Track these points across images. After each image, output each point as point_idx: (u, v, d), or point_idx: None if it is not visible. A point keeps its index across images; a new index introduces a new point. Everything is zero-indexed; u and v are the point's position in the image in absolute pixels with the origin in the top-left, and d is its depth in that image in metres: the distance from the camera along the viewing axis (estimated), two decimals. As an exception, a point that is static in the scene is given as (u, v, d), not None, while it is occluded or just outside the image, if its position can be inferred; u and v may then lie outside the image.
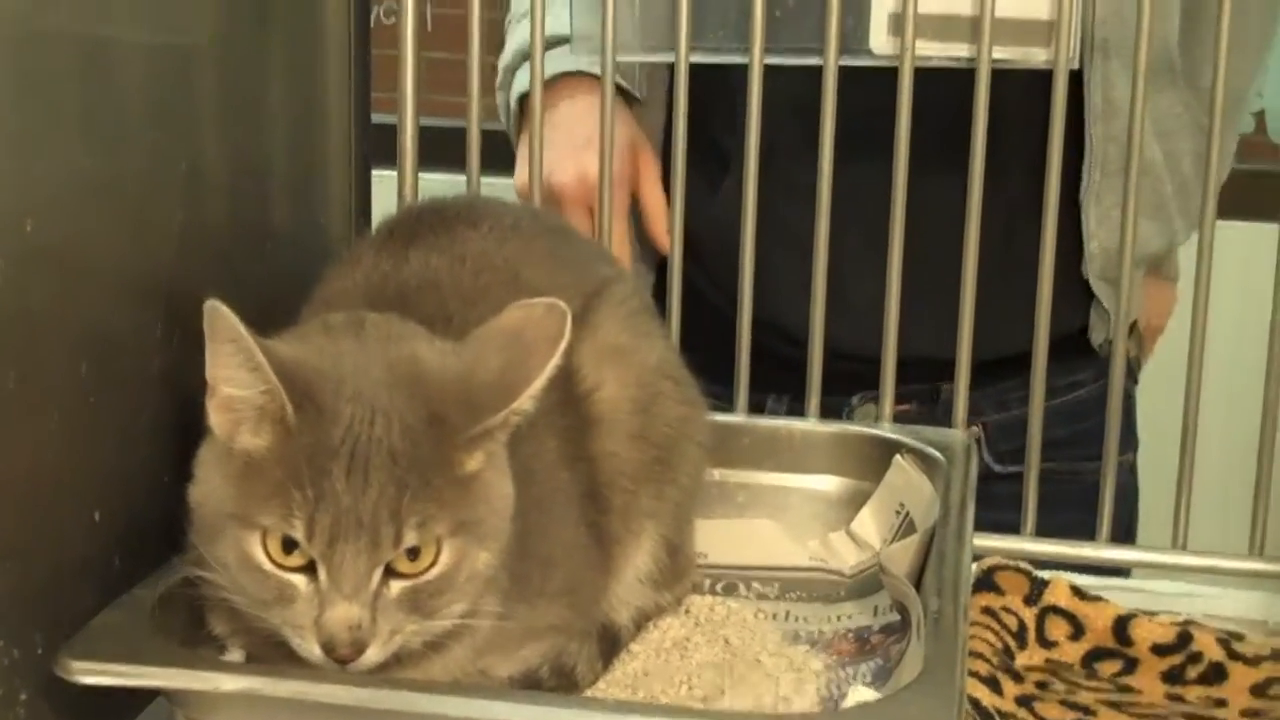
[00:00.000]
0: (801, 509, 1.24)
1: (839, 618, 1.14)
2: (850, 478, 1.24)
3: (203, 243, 1.06)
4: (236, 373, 0.85)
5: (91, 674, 0.86)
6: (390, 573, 0.85)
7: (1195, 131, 1.43)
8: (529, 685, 0.97)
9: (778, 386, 1.47)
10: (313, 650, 0.85)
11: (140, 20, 0.99)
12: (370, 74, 1.25)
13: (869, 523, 1.21)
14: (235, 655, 0.93)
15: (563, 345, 0.88)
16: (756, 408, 1.43)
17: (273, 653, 0.89)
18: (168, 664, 0.86)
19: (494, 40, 1.39)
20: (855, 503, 1.22)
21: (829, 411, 1.35)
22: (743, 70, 1.24)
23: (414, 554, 0.86)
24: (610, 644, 1.05)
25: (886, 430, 1.24)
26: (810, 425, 1.27)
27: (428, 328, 0.94)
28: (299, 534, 0.84)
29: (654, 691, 1.03)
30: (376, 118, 1.28)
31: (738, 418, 1.27)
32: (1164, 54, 1.40)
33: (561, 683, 0.98)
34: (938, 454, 1.18)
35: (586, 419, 1.02)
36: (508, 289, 1.01)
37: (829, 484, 1.25)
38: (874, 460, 1.22)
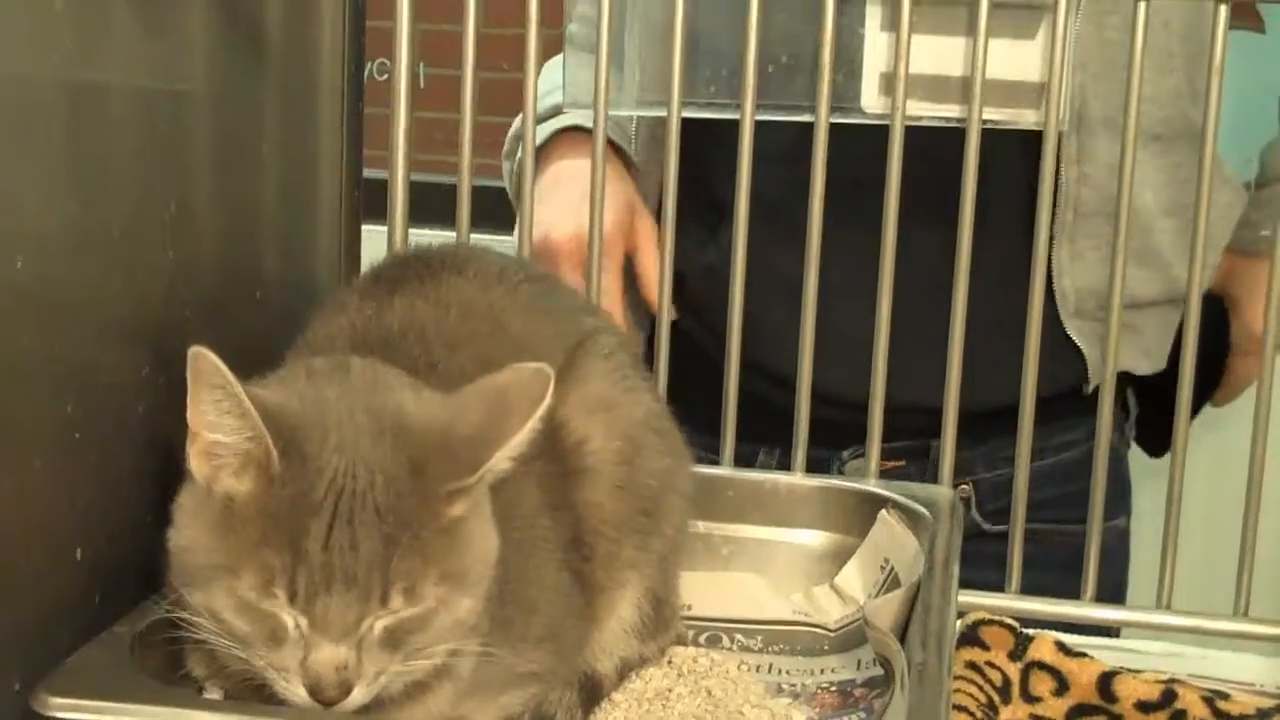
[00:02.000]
0: (786, 562, 1.24)
1: (822, 671, 1.14)
2: (835, 532, 1.24)
3: (191, 288, 1.06)
4: (221, 419, 0.85)
5: (69, 710, 0.86)
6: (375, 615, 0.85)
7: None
8: (509, 729, 0.96)
9: (769, 439, 1.47)
10: (299, 692, 0.85)
11: (134, 65, 1.00)
12: (362, 128, 1.26)
13: (854, 577, 1.22)
14: (214, 696, 0.93)
15: (542, 408, 0.88)
16: (747, 460, 1.44)
17: (251, 695, 0.89)
18: (145, 701, 0.86)
19: (485, 100, 1.40)
20: (840, 557, 1.23)
21: (819, 465, 1.35)
22: (738, 124, 1.25)
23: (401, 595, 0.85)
24: (591, 693, 1.05)
25: (872, 485, 1.25)
26: (796, 479, 1.28)
27: (415, 374, 0.95)
28: (281, 590, 0.84)
29: (637, 742, 1.03)
30: (368, 173, 1.29)
31: (724, 470, 1.27)
32: (1153, 112, 1.40)
33: None
34: (923, 510, 1.18)
35: (572, 469, 1.02)
36: (491, 337, 1.02)
37: (814, 538, 1.25)
38: (859, 515, 1.22)
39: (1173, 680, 1.06)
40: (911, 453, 1.48)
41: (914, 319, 1.29)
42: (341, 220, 1.25)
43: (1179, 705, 1.03)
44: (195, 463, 0.87)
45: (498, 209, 1.33)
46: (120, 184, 0.98)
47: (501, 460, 0.88)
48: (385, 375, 0.92)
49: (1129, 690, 1.04)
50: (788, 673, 1.14)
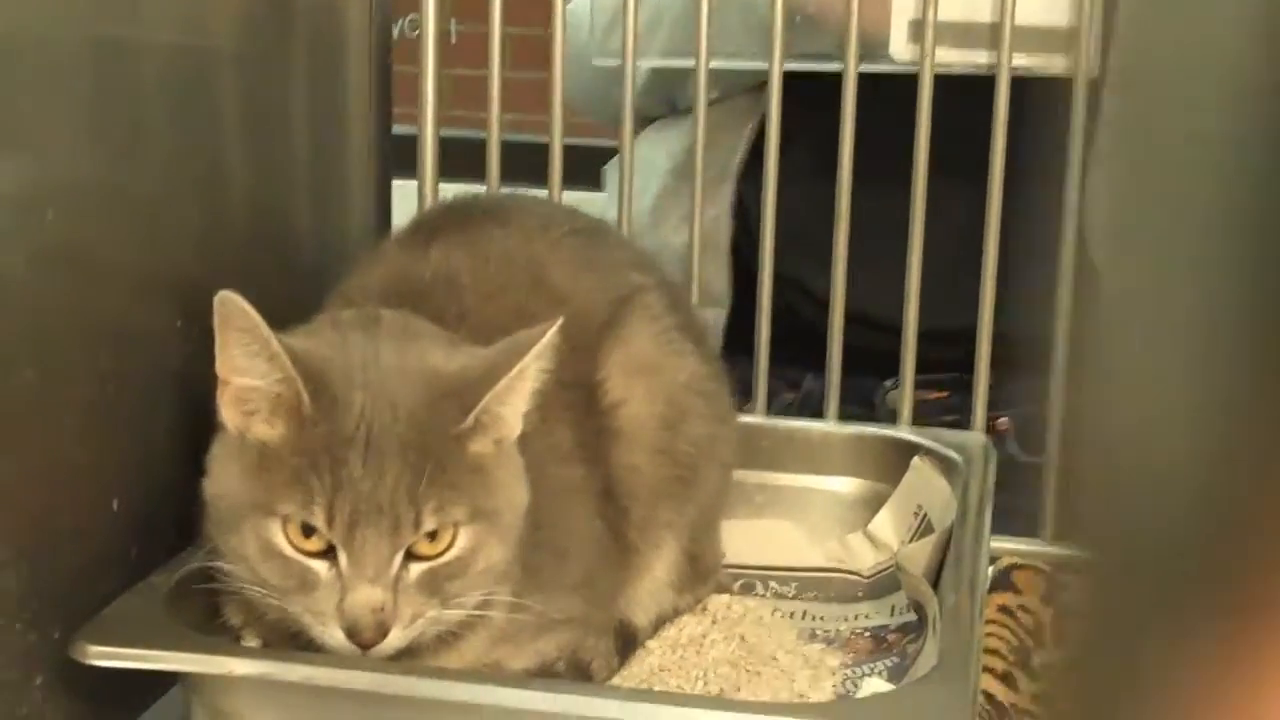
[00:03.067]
0: (820, 510, 1.25)
1: (856, 617, 1.14)
2: (868, 479, 1.24)
3: (222, 243, 1.07)
4: (252, 362, 0.86)
5: (106, 657, 0.86)
6: (410, 556, 0.86)
7: None
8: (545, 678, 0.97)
9: (818, 364, 1.43)
10: (336, 635, 0.85)
11: (163, 22, 1.00)
12: (391, 83, 1.27)
13: (887, 524, 1.22)
14: (251, 644, 0.94)
15: (531, 355, 0.88)
16: (794, 384, 1.43)
17: (289, 643, 0.89)
18: (181, 648, 0.87)
19: (513, 55, 1.40)
20: (873, 504, 1.23)
21: (861, 393, 1.33)
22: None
23: (432, 536, 0.86)
24: (627, 641, 1.05)
25: (905, 432, 1.25)
26: (829, 427, 1.28)
27: (443, 324, 0.96)
28: (319, 520, 0.84)
29: (670, 686, 1.03)
30: (399, 130, 1.30)
31: (757, 419, 1.27)
32: None
33: (577, 678, 0.98)
34: (956, 456, 1.18)
35: (607, 429, 1.02)
36: (529, 289, 1.02)
37: (847, 485, 1.25)
38: (892, 462, 1.23)
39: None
40: (956, 384, 1.46)
41: (954, 247, 1.29)
42: (373, 176, 1.25)
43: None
44: (226, 412, 0.88)
45: (532, 163, 1.33)
46: (150, 140, 0.99)
47: (499, 403, 0.88)
48: (413, 326, 0.93)
49: (1160, 631, 1.04)
50: (821, 619, 1.14)
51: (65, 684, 0.90)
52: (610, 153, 1.45)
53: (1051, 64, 1.24)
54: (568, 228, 1.09)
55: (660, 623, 1.10)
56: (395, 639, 0.86)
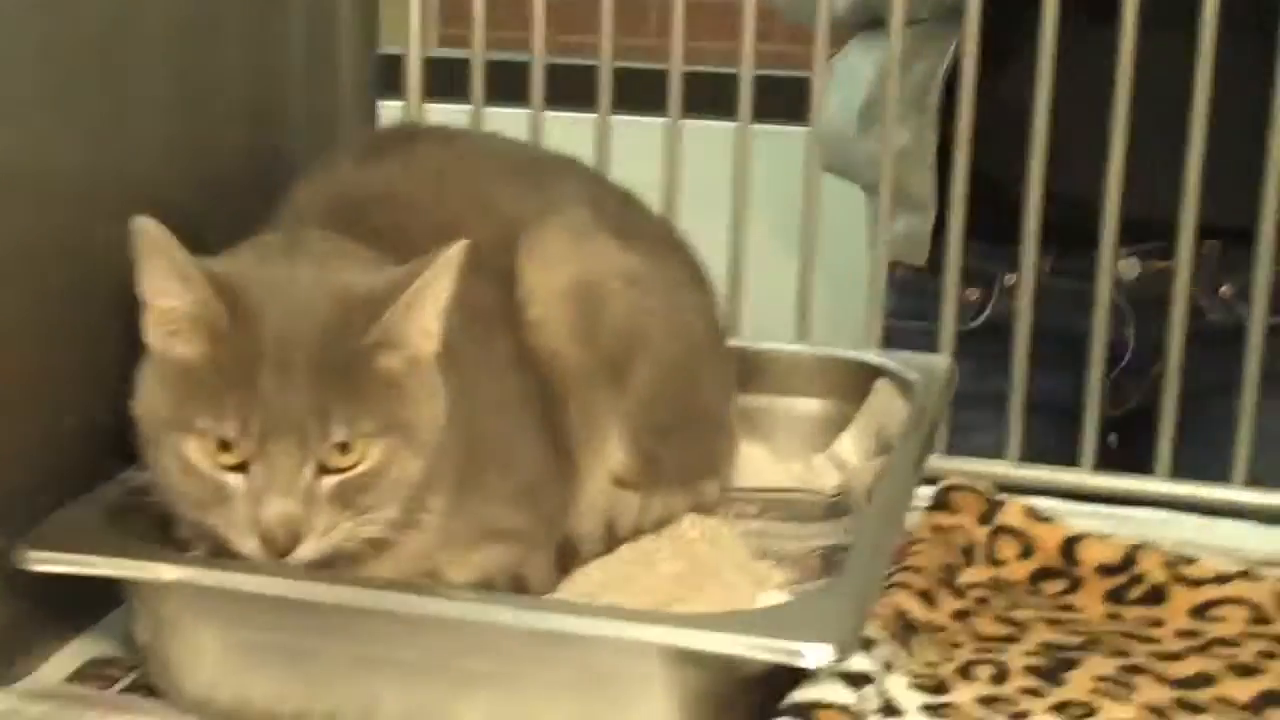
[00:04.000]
0: (786, 431, 1.27)
1: (810, 537, 1.16)
2: (834, 400, 1.26)
3: (189, 161, 1.10)
4: (169, 284, 0.89)
5: (45, 563, 0.91)
6: (323, 470, 0.89)
7: None
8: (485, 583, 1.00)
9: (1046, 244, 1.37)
10: (251, 545, 0.89)
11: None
12: (377, 6, 1.29)
13: (850, 445, 1.24)
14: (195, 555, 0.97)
15: (432, 268, 0.90)
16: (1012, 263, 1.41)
17: (232, 553, 0.93)
18: (116, 555, 0.91)
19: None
20: (839, 425, 1.25)
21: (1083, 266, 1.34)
22: None
23: (344, 450, 0.89)
24: (569, 554, 1.07)
25: (870, 355, 1.26)
26: (795, 349, 1.30)
27: (381, 236, 0.98)
28: (232, 433, 0.88)
29: (612, 600, 1.06)
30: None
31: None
32: None
33: (515, 591, 1.01)
34: (915, 377, 1.20)
35: (528, 323, 1.05)
36: (464, 203, 1.05)
37: (813, 406, 1.27)
38: (857, 384, 1.24)
39: (1140, 544, 1.07)
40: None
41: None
42: (355, 93, 1.28)
43: (1139, 569, 1.04)
44: (150, 333, 0.91)
45: (512, 84, 1.35)
46: (105, 56, 1.01)
47: (402, 317, 0.90)
48: (335, 247, 0.96)
49: (1092, 554, 1.05)
50: (778, 537, 1.16)
51: (14, 592, 0.94)
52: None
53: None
54: (512, 156, 1.11)
55: (615, 531, 1.12)
56: (309, 548, 0.89)
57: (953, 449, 1.32)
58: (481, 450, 0.99)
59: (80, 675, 0.99)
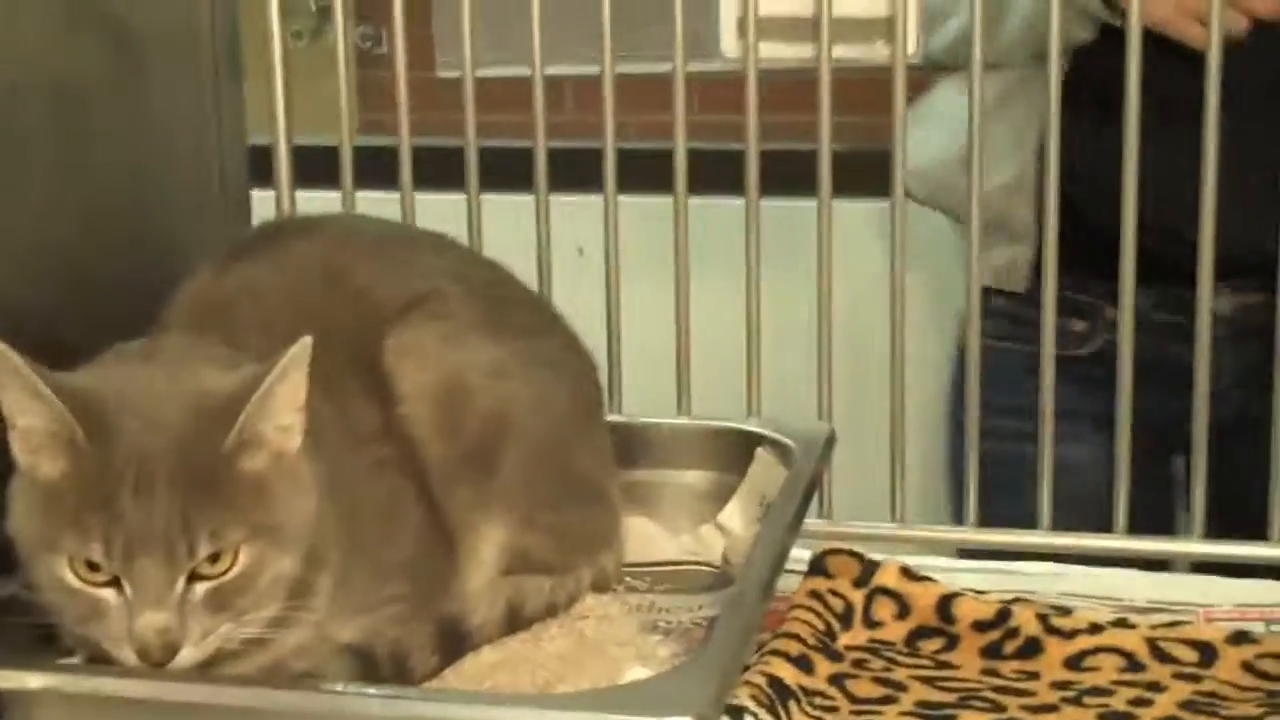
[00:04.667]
0: (672, 503, 1.27)
1: (701, 607, 1.17)
2: (718, 471, 1.27)
3: (65, 263, 1.10)
4: (25, 404, 0.90)
5: (-89, 677, 0.90)
6: (195, 577, 0.89)
7: None
8: (366, 669, 0.99)
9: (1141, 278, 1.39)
10: (130, 657, 0.89)
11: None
12: (242, 97, 1.30)
13: (735, 514, 1.24)
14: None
15: (278, 369, 0.90)
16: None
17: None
18: (-16, 666, 0.90)
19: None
20: (724, 495, 1.26)
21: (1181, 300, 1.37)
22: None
23: (214, 558, 0.89)
24: (455, 638, 1.07)
25: (749, 425, 1.27)
26: (678, 423, 1.31)
27: (246, 333, 0.99)
28: (98, 556, 0.88)
29: (500, 682, 1.06)
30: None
31: (611, 418, 1.30)
32: None
33: (396, 671, 1.01)
34: (791, 444, 1.21)
35: (395, 415, 1.06)
36: (325, 289, 1.06)
37: (697, 479, 1.28)
38: (739, 454, 1.25)
39: (1016, 599, 1.08)
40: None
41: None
42: (225, 188, 1.28)
43: (1013, 623, 1.05)
44: (16, 450, 0.91)
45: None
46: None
47: (258, 418, 0.90)
48: (193, 350, 0.97)
49: (967, 611, 1.06)
50: (667, 610, 1.17)
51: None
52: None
53: (875, 53, 1.26)
54: (376, 237, 1.12)
55: (522, 614, 1.12)
56: (188, 656, 0.89)
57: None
58: (360, 527, 1.00)
59: (-40, 788, 0.98)
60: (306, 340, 0.90)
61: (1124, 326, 1.29)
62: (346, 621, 1.00)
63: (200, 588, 0.89)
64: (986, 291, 1.47)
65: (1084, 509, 1.34)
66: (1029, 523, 1.31)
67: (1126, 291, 1.29)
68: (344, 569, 0.98)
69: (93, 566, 0.89)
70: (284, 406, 0.91)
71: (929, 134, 1.65)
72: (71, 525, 0.88)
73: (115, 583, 0.89)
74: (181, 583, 0.89)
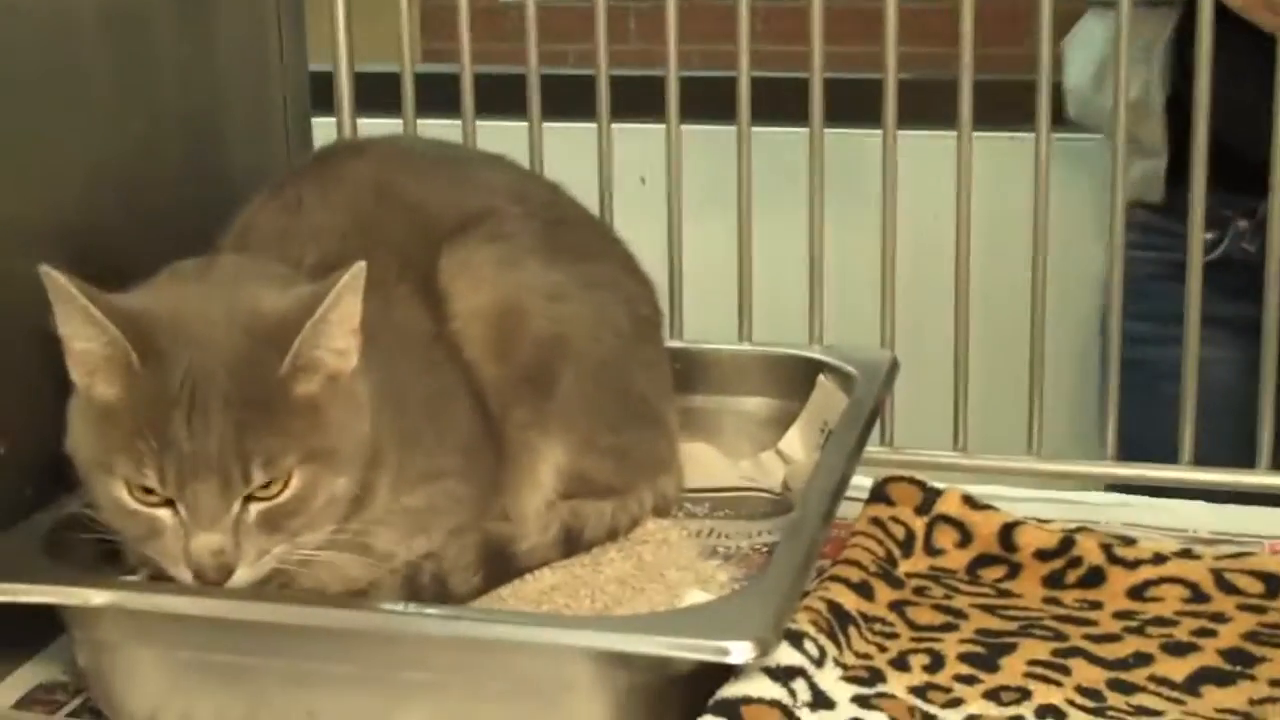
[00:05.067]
0: (733, 430, 1.27)
1: (759, 533, 1.17)
2: (779, 398, 1.26)
3: (125, 189, 1.11)
4: (80, 328, 0.90)
5: (-25, 588, 0.91)
6: (249, 499, 0.90)
7: None
8: (411, 589, 1.00)
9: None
10: (185, 576, 0.90)
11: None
12: (304, 24, 1.30)
13: (796, 441, 1.24)
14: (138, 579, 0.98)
15: (334, 292, 0.90)
16: (1249, 212, 1.56)
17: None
18: (45, 581, 0.91)
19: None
20: (785, 422, 1.25)
21: None
22: None
23: (268, 483, 0.90)
24: (500, 562, 1.07)
25: (811, 351, 1.27)
26: (739, 349, 1.30)
27: (297, 245, 1.00)
28: (152, 481, 0.89)
29: (557, 604, 1.06)
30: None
31: (672, 344, 1.29)
32: None
33: (438, 591, 1.01)
34: (854, 371, 1.20)
35: (448, 332, 1.06)
36: (375, 201, 1.07)
37: (759, 405, 1.27)
38: (800, 381, 1.25)
39: (1080, 528, 1.07)
40: None
41: None
42: (287, 115, 1.29)
43: (1076, 552, 1.04)
44: (73, 372, 0.92)
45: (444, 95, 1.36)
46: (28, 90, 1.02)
47: (312, 342, 0.90)
48: (248, 270, 0.97)
49: (1029, 539, 1.05)
50: (726, 536, 1.17)
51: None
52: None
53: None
54: (431, 155, 1.13)
55: (580, 538, 1.12)
56: (243, 576, 0.90)
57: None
58: (416, 417, 1.01)
59: (26, 701, 1.00)
60: (361, 265, 0.90)
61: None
62: (402, 532, 1.00)
63: (254, 509, 0.90)
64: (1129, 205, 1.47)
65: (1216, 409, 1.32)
66: (1159, 429, 1.31)
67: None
68: (400, 465, 0.99)
69: (148, 490, 0.90)
70: (338, 331, 0.91)
71: (1075, 55, 1.74)
72: (126, 449, 0.89)
73: (170, 503, 0.90)
74: (236, 506, 0.89)
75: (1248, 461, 1.28)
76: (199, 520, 0.89)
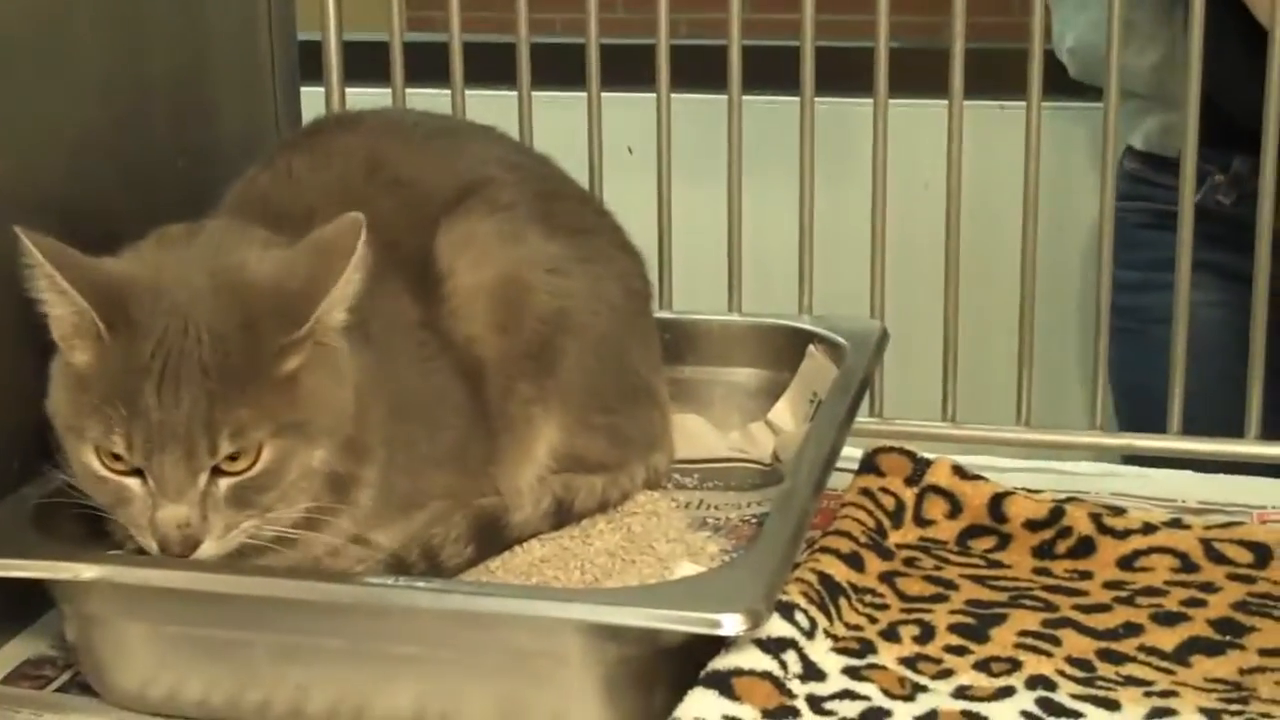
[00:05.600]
0: (723, 401, 1.27)
1: (748, 504, 1.17)
2: (768, 369, 1.26)
3: (115, 156, 1.10)
4: (49, 295, 0.90)
5: (-37, 567, 0.91)
6: (218, 471, 0.90)
7: None
8: (398, 567, 1.00)
9: (1245, 147, 1.43)
10: (152, 546, 0.90)
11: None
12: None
13: (786, 412, 1.24)
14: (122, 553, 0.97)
15: (354, 258, 0.90)
16: (1224, 167, 1.60)
17: None
18: (35, 555, 0.91)
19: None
20: (774, 393, 1.25)
21: None
22: None
23: (235, 454, 0.90)
24: (492, 533, 1.07)
25: (801, 322, 1.27)
26: (728, 319, 1.30)
27: (291, 219, 0.99)
28: (120, 448, 0.89)
29: (547, 577, 1.06)
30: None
31: (660, 314, 1.29)
32: None
33: (429, 566, 1.01)
34: (844, 342, 1.20)
35: (447, 308, 1.05)
36: (366, 177, 1.06)
37: (748, 376, 1.27)
38: (789, 351, 1.24)
39: (1069, 498, 1.07)
40: None
41: None
42: (276, 84, 1.28)
43: (1065, 522, 1.04)
44: (55, 337, 0.92)
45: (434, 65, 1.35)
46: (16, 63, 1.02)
47: (328, 312, 0.90)
48: (235, 234, 0.96)
49: (1019, 510, 1.05)
50: (715, 508, 1.17)
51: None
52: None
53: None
54: (423, 128, 1.12)
55: (571, 510, 1.12)
56: (210, 549, 0.90)
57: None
58: (406, 411, 1.00)
59: (15, 676, 0.99)
60: (363, 242, 0.90)
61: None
62: (389, 523, 1.00)
63: (224, 483, 0.90)
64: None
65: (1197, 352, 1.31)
66: (1153, 372, 1.31)
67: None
68: (390, 462, 0.98)
69: (117, 456, 0.89)
70: (347, 298, 0.91)
71: (1074, 17, 1.76)
72: (95, 415, 0.89)
73: (139, 473, 0.89)
74: (204, 478, 0.89)
75: (1235, 408, 1.28)
76: (165, 491, 0.88)
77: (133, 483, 0.89)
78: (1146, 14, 1.66)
